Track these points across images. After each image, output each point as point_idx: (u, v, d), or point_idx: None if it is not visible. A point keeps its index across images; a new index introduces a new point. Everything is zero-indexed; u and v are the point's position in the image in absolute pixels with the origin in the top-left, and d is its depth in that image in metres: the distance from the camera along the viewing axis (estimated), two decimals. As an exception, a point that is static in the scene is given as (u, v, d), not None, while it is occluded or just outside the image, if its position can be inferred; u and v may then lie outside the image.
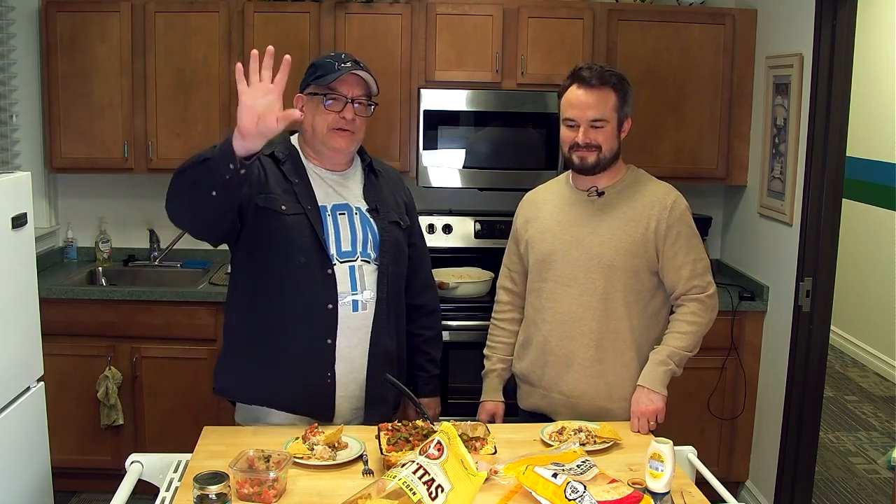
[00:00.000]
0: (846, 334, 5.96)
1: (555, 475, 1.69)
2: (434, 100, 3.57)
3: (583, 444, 1.97)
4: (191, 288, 3.53)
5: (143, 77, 3.61)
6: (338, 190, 2.17)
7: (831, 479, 3.97)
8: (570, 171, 2.35)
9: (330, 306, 2.07)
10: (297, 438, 1.96)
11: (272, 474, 1.72)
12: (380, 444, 1.90)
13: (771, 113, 3.48)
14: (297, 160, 2.16)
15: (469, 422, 2.05)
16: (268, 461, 1.77)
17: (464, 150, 3.63)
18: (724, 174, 3.76)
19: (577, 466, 1.77)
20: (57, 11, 3.57)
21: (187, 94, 3.63)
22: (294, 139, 2.21)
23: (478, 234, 3.90)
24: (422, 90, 3.58)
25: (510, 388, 2.47)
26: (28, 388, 2.55)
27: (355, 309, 2.10)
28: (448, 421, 1.82)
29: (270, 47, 1.78)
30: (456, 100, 3.59)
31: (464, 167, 3.64)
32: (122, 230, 4.03)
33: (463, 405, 2.83)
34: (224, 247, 2.18)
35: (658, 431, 2.11)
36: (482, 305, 3.31)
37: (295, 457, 1.85)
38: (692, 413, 3.49)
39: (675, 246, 2.24)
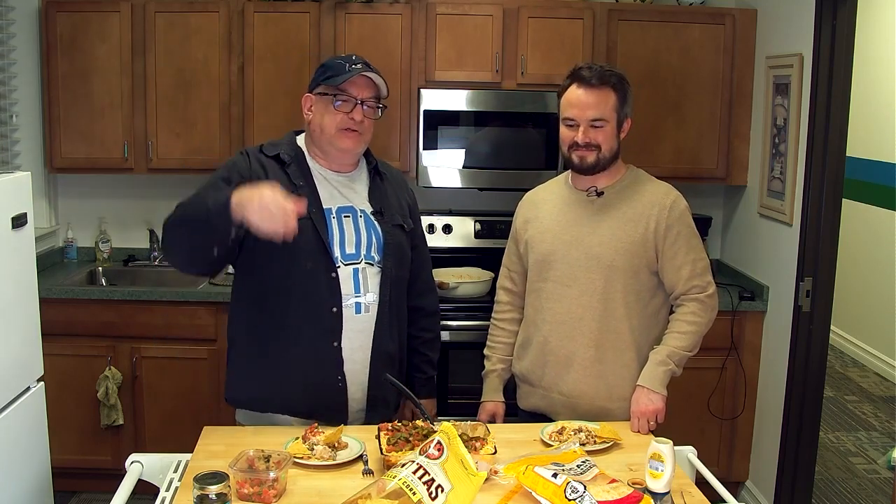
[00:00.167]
0: (846, 334, 5.96)
1: (555, 475, 1.69)
2: (434, 100, 3.57)
3: (583, 444, 1.97)
4: (191, 288, 3.52)
5: (143, 77, 3.61)
6: (343, 192, 2.17)
7: (831, 479, 3.96)
8: (569, 171, 2.35)
9: (335, 309, 2.07)
10: (297, 438, 1.96)
11: (272, 474, 1.72)
12: (380, 444, 1.90)
13: (771, 113, 3.48)
14: (303, 162, 2.15)
15: (469, 422, 2.05)
16: (268, 461, 1.77)
17: (464, 150, 3.63)
18: (724, 174, 3.76)
19: (577, 466, 1.77)
20: (57, 11, 3.57)
21: (187, 94, 3.63)
22: (300, 139, 2.21)
23: (478, 234, 3.90)
24: (422, 90, 3.58)
25: (510, 388, 2.47)
26: (28, 388, 2.55)
27: (358, 311, 2.10)
28: (448, 421, 1.82)
29: None
30: (456, 100, 3.59)
31: (464, 167, 3.64)
32: (122, 230, 4.03)
33: (463, 405, 2.83)
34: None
35: (658, 431, 2.11)
36: (482, 305, 3.31)
37: (295, 457, 1.85)
38: (692, 413, 3.49)
39: (674, 246, 2.23)
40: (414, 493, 1.60)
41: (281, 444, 1.93)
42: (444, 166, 3.62)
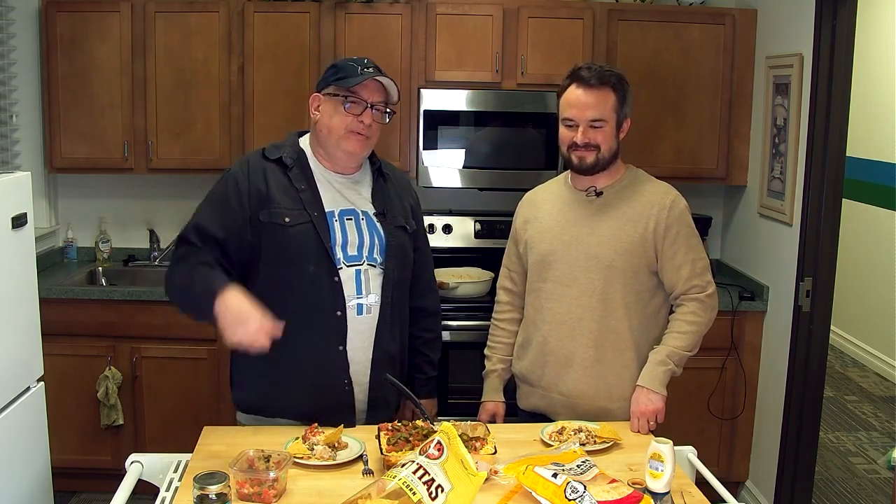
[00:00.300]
0: (846, 334, 5.96)
1: (555, 475, 1.69)
2: (434, 100, 3.57)
3: (583, 444, 1.97)
4: (191, 288, 3.52)
5: (143, 77, 3.61)
6: (345, 194, 2.16)
7: (831, 479, 3.96)
8: (569, 171, 2.35)
9: (339, 313, 2.07)
10: (297, 438, 1.96)
11: (272, 474, 1.72)
12: (380, 444, 1.90)
13: (771, 113, 3.48)
14: (305, 164, 2.15)
15: (469, 422, 2.05)
16: (268, 461, 1.77)
17: (464, 150, 3.63)
18: (724, 174, 3.76)
19: (577, 466, 1.77)
20: (57, 11, 3.57)
21: (187, 94, 3.63)
22: (303, 141, 2.21)
23: (478, 234, 3.90)
24: (422, 90, 3.58)
25: (511, 389, 2.47)
26: (28, 388, 2.55)
27: (359, 312, 2.10)
28: (448, 421, 1.82)
29: None
30: (456, 100, 3.59)
31: (464, 167, 3.64)
32: (122, 230, 4.03)
33: (463, 405, 2.83)
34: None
35: (658, 431, 2.11)
36: (482, 305, 3.31)
37: (295, 457, 1.85)
38: (692, 413, 3.49)
39: (674, 245, 2.23)
40: (414, 493, 1.60)
41: (281, 444, 1.93)
42: (444, 166, 3.62)
